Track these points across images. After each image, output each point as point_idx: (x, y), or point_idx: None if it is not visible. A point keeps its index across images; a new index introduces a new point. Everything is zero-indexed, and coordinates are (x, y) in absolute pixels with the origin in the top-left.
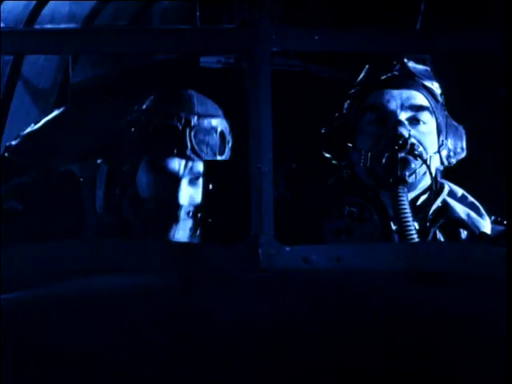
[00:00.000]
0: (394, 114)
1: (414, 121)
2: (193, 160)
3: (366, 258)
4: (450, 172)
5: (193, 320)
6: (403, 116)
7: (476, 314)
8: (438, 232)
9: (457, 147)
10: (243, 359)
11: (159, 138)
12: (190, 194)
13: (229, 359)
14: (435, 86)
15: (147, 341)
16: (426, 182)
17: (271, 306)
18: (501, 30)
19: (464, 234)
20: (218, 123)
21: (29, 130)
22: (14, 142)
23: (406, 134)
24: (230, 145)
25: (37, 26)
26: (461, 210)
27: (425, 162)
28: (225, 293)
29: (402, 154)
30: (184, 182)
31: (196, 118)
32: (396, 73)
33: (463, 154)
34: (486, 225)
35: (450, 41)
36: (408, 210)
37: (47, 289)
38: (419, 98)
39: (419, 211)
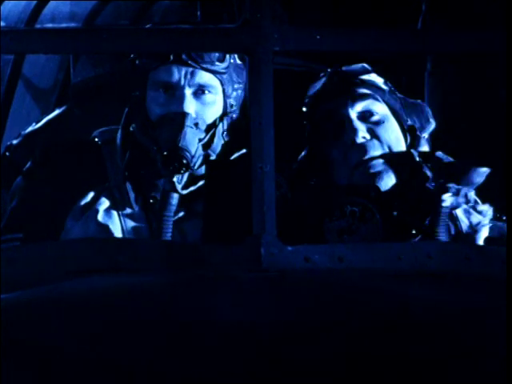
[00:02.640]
0: (345, 116)
1: (365, 115)
2: (191, 66)
3: (367, 257)
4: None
5: (193, 320)
6: (353, 115)
7: (476, 314)
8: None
9: (422, 122)
10: (244, 359)
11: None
12: (195, 107)
13: (230, 359)
14: (373, 77)
15: (147, 341)
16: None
17: (273, 305)
18: (501, 30)
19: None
20: None
21: (30, 129)
22: (14, 142)
23: (364, 133)
24: (231, 57)
25: (37, 26)
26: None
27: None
28: (226, 292)
29: (378, 169)
30: (187, 93)
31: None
32: (332, 81)
33: (432, 125)
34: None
35: (450, 41)
36: None
37: (47, 289)
38: (362, 90)
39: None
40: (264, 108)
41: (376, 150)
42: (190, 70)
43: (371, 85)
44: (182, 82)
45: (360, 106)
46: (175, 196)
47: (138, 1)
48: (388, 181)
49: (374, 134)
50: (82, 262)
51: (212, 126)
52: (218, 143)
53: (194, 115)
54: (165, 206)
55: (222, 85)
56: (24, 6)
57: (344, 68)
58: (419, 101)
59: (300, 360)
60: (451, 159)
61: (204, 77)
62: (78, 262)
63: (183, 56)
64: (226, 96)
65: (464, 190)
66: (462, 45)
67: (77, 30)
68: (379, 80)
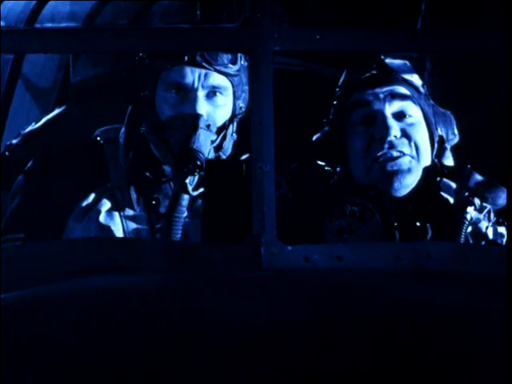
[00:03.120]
0: (380, 112)
1: (401, 115)
2: (205, 68)
3: (367, 257)
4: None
5: (193, 320)
6: (388, 111)
7: (476, 314)
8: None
9: (448, 133)
10: (244, 359)
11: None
12: (207, 109)
13: (230, 359)
14: (415, 78)
15: (147, 341)
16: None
17: (273, 305)
18: (501, 30)
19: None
20: None
21: (29, 128)
22: (14, 141)
23: (396, 132)
24: (242, 59)
25: (37, 25)
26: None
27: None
28: (226, 292)
29: (397, 168)
30: (200, 94)
31: None
32: (374, 71)
33: (456, 139)
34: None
35: (450, 41)
36: None
37: (47, 288)
38: (401, 90)
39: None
40: (264, 108)
41: (403, 149)
42: (204, 71)
43: (411, 85)
44: (196, 84)
45: (397, 105)
46: (186, 197)
47: (137, 1)
48: (403, 182)
49: (405, 134)
50: (82, 262)
51: (223, 128)
52: (229, 145)
53: (206, 117)
54: (175, 208)
55: (233, 87)
56: (23, 5)
57: (387, 61)
58: (449, 111)
59: (300, 360)
60: (480, 177)
61: (217, 79)
62: (79, 262)
63: (197, 58)
64: (235, 98)
65: (488, 208)
66: (461, 45)
67: (76, 30)
68: (419, 82)
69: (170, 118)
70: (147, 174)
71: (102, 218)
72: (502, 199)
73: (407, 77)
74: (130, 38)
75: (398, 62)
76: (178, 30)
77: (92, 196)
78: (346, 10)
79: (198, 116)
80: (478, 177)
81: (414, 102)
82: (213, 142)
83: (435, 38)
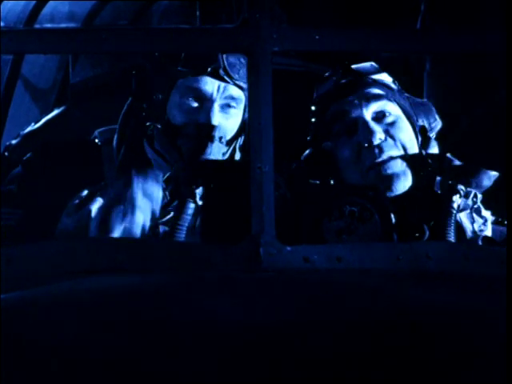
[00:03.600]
0: (360, 118)
1: (380, 116)
2: (225, 81)
3: (366, 257)
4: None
5: (193, 320)
6: (368, 116)
7: (475, 315)
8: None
9: (430, 122)
10: (244, 359)
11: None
12: (220, 120)
13: (229, 359)
14: (384, 76)
15: (147, 341)
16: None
17: (272, 305)
18: (500, 30)
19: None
20: None
21: (29, 129)
22: (14, 142)
23: (380, 135)
24: None
25: (37, 26)
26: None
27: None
28: (225, 293)
29: (394, 170)
30: (216, 105)
31: None
32: (344, 80)
33: (439, 125)
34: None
35: (449, 41)
36: None
37: (47, 289)
38: (374, 90)
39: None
40: (263, 108)
41: (391, 151)
42: (224, 84)
43: (382, 84)
44: (215, 95)
45: (374, 107)
46: (192, 206)
47: (137, 1)
48: (405, 182)
49: (389, 135)
50: (81, 262)
51: (233, 140)
52: (238, 157)
53: (218, 129)
54: (181, 216)
55: (246, 100)
56: (23, 5)
57: (354, 66)
58: (425, 100)
59: (299, 360)
60: (460, 162)
61: (233, 91)
62: (78, 262)
63: (220, 71)
64: (245, 111)
65: (473, 192)
66: (461, 45)
67: (76, 30)
68: (389, 79)
69: (183, 125)
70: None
71: (94, 215)
72: (486, 181)
73: (376, 77)
74: (129, 39)
75: (364, 65)
76: (176, 31)
77: (85, 193)
78: (345, 10)
79: (212, 127)
80: (458, 163)
81: (390, 100)
82: (224, 154)
83: (435, 38)
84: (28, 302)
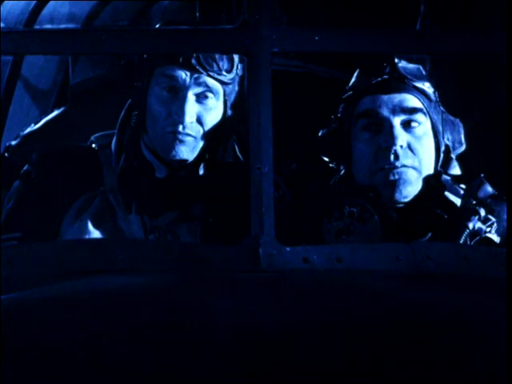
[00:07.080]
0: (387, 120)
1: (408, 124)
2: (198, 72)
3: (366, 258)
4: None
5: (193, 320)
6: (396, 121)
7: (476, 316)
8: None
9: (455, 142)
10: (243, 360)
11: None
12: (197, 110)
13: (229, 360)
14: (426, 86)
15: (147, 341)
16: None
17: (271, 306)
18: (501, 31)
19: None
20: None
21: (28, 130)
22: (13, 142)
23: (402, 142)
24: (238, 69)
25: (36, 27)
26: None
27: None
28: (225, 293)
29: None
30: (190, 95)
31: None
32: (386, 76)
33: (462, 148)
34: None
35: (449, 42)
36: None
37: (47, 289)
38: (411, 101)
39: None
40: (263, 109)
41: (406, 160)
42: (196, 75)
43: (422, 93)
44: (187, 84)
45: (406, 115)
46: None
47: (137, 1)
48: (403, 192)
49: (410, 147)
50: (81, 263)
51: (217, 137)
52: (230, 156)
53: (194, 118)
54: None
55: (225, 95)
56: (23, 6)
57: (401, 66)
58: (458, 119)
59: (299, 361)
60: (490, 187)
61: (208, 82)
62: (78, 263)
63: (192, 60)
64: (227, 107)
65: (492, 221)
66: (461, 46)
67: (76, 31)
68: (430, 90)
69: (157, 113)
70: (139, 176)
71: (93, 220)
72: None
73: (419, 84)
74: (129, 39)
75: (411, 66)
76: (176, 31)
77: (84, 198)
78: (345, 12)
79: (183, 119)
80: (489, 188)
81: (423, 112)
82: (199, 145)
83: (435, 39)
84: (28, 303)
